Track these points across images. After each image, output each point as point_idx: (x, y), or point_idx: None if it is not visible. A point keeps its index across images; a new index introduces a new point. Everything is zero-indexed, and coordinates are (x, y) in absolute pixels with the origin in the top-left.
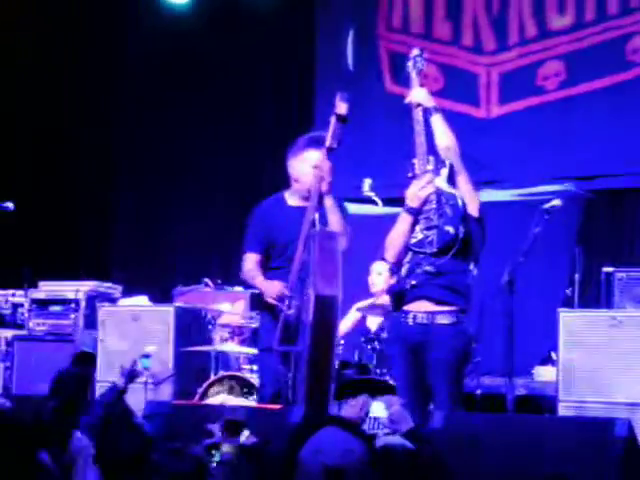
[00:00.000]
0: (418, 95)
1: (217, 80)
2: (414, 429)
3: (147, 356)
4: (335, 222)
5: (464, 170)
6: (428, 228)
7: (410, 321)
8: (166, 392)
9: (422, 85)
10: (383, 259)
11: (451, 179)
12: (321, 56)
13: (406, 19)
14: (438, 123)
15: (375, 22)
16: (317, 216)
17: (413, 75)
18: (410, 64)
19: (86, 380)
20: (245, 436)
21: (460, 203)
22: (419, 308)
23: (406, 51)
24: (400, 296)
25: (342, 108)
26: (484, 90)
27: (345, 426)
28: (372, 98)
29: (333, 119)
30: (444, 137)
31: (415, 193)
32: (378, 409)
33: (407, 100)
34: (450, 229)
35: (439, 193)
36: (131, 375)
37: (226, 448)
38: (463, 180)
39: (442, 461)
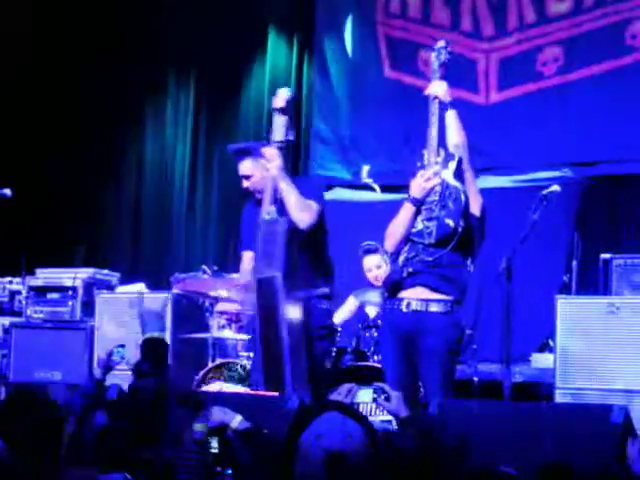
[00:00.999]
0: (437, 88)
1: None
2: (413, 417)
3: (122, 346)
4: (292, 203)
5: (471, 169)
6: (429, 219)
7: (404, 308)
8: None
9: (443, 77)
10: (373, 251)
11: (458, 173)
12: (320, 43)
13: (404, 4)
14: (452, 119)
15: (374, 8)
16: (273, 208)
17: (435, 66)
18: (434, 55)
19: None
20: (237, 421)
21: (463, 198)
22: (414, 295)
23: (404, 36)
24: (396, 285)
25: (277, 101)
26: (483, 76)
27: (347, 412)
28: (371, 84)
29: (274, 114)
30: (455, 134)
31: (420, 184)
32: (364, 396)
33: (426, 92)
34: (450, 222)
35: (444, 185)
36: (107, 366)
37: (198, 427)
38: (469, 178)
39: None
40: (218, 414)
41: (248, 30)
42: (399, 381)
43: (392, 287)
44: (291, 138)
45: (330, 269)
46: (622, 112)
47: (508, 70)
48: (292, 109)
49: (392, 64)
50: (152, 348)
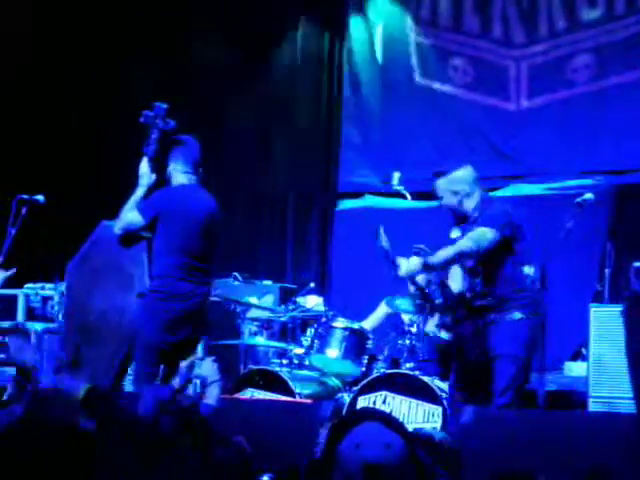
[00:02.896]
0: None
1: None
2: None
3: (202, 359)
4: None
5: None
6: None
7: None
8: (213, 396)
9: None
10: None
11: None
12: (350, 49)
13: (435, 12)
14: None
15: (404, 15)
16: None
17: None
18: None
19: None
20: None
21: None
22: None
23: (435, 43)
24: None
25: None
26: (513, 83)
27: (386, 421)
28: (401, 91)
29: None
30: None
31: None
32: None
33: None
34: None
35: None
36: (188, 378)
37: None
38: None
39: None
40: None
41: (279, 16)
42: None
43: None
44: (146, 151)
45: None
46: None
47: (539, 77)
48: (158, 120)
49: (423, 71)
50: None
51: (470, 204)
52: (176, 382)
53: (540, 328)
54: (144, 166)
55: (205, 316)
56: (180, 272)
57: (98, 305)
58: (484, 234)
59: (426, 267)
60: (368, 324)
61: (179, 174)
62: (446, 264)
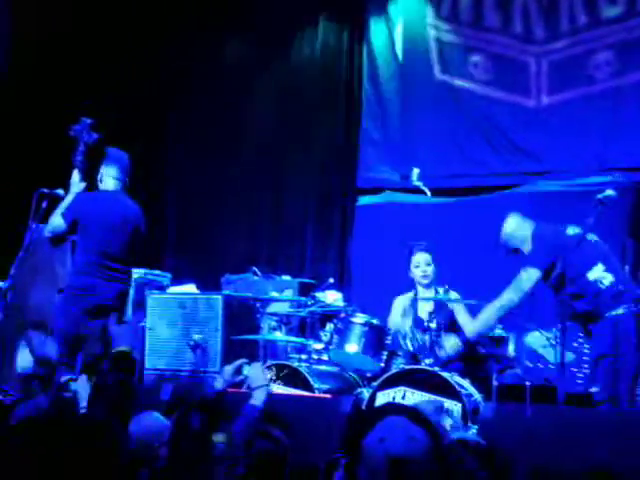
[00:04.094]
0: None
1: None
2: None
3: (248, 362)
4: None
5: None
6: None
7: None
8: (260, 398)
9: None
10: (425, 250)
11: None
12: (370, 44)
13: (456, 8)
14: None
15: (424, 11)
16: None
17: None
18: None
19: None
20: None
21: None
22: None
23: (455, 39)
24: None
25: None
26: (534, 79)
27: (411, 415)
28: (421, 87)
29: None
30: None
31: None
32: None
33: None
34: None
35: None
36: (232, 381)
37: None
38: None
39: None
40: None
41: (299, 14)
42: None
43: None
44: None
45: None
46: None
47: (559, 73)
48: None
49: (443, 67)
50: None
51: (527, 248)
52: (219, 384)
53: None
54: (74, 175)
55: (122, 309)
56: (93, 270)
57: (33, 302)
58: (520, 281)
59: (469, 342)
60: (391, 324)
61: (109, 180)
62: (489, 327)
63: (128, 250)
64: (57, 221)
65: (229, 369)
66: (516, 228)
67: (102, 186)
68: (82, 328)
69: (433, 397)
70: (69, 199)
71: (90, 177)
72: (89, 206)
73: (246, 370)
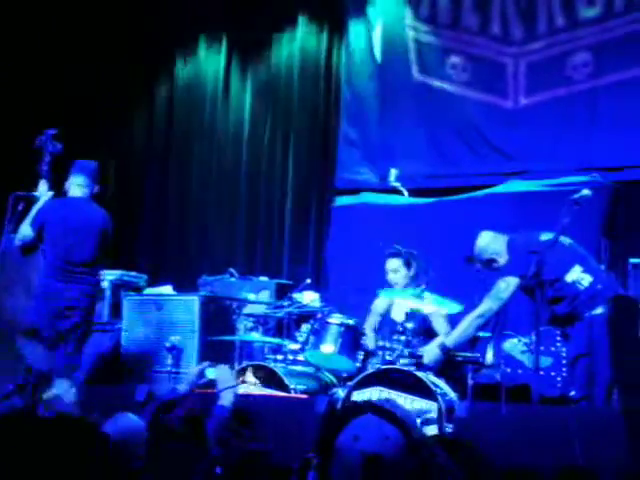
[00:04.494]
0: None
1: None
2: None
3: (211, 365)
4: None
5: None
6: None
7: None
8: (228, 399)
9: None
10: (394, 255)
11: None
12: (348, 45)
13: (434, 9)
14: None
15: (403, 12)
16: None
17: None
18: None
19: None
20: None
21: None
22: None
23: (433, 40)
24: None
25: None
26: (512, 80)
27: (384, 414)
28: (399, 88)
29: None
30: None
31: None
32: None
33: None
34: None
35: None
36: (195, 383)
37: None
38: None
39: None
40: None
41: (278, 15)
42: None
43: None
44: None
45: None
46: None
47: (537, 74)
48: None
49: (421, 68)
50: None
51: (502, 260)
52: (183, 387)
53: None
54: (41, 185)
55: (89, 310)
56: (57, 274)
57: (9, 309)
58: (499, 291)
59: (449, 351)
60: (369, 324)
61: (75, 188)
62: (468, 337)
63: (94, 254)
64: (25, 230)
65: (193, 372)
66: (490, 242)
67: (69, 194)
68: (50, 329)
69: (410, 397)
70: (37, 208)
71: (58, 186)
72: (54, 213)
73: (210, 373)
